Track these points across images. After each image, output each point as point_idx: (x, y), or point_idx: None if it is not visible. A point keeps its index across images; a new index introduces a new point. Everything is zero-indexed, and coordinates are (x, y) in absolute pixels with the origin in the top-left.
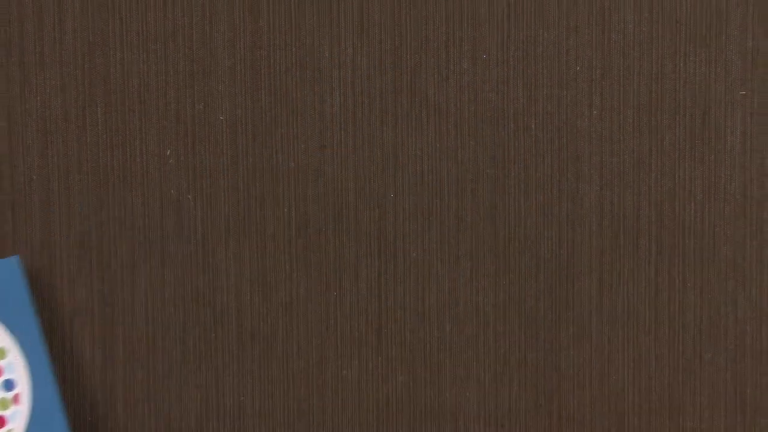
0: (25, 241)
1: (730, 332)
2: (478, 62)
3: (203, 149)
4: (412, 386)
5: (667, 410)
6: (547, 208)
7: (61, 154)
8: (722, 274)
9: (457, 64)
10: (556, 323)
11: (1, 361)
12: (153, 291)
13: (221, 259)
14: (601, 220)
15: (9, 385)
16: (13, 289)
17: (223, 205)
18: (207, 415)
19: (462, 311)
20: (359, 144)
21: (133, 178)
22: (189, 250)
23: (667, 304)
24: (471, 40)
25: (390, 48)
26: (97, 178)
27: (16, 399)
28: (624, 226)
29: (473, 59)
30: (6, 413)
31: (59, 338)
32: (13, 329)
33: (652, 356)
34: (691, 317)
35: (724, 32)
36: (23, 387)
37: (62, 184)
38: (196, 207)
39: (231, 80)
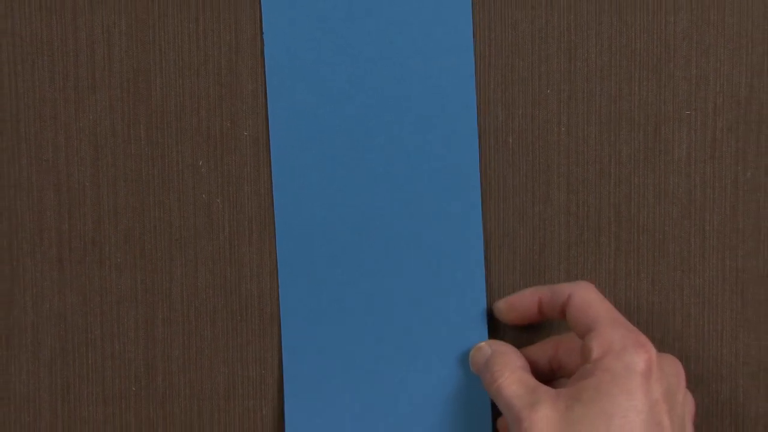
0: (79, 238)
1: (677, 315)
2: None
3: (230, 160)
4: None
5: None
6: (522, 209)
7: (110, 164)
8: (670, 266)
9: None
10: None
11: None
12: (187, 280)
13: (245, 253)
14: (568, 220)
15: None
16: None
17: (247, 207)
18: (234, 385)
19: None
20: None
21: (171, 185)
22: (218, 246)
23: (624, 292)
24: None
25: None
26: (140, 185)
27: None
28: (587, 225)
29: None
30: None
31: (108, 321)
32: None
33: None
34: (644, 302)
35: (672, 61)
36: None
37: (110, 190)
38: (224, 209)
39: (254, 102)
